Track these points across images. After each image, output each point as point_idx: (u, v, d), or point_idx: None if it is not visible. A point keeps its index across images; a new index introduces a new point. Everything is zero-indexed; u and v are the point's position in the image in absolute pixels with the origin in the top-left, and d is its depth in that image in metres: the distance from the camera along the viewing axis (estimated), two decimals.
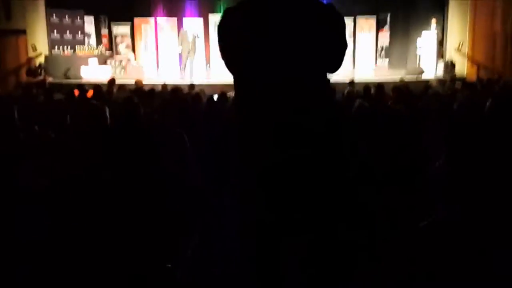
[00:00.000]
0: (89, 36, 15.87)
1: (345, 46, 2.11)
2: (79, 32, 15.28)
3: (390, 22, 15.68)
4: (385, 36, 15.90)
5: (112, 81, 9.99)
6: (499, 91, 7.35)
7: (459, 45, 13.70)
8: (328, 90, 2.17)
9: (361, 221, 2.27)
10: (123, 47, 16.63)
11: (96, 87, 8.31)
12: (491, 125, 3.14)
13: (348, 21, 16.23)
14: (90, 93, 8.28)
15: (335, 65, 2.10)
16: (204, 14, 16.28)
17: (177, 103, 4.83)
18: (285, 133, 1.99)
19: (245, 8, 2.00)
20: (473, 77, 12.37)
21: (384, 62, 15.88)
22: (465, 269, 3.19)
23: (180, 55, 15.34)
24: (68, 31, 14.71)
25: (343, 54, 2.11)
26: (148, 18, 16.40)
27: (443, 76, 12.62)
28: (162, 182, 3.05)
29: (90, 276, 2.66)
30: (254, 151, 2.08)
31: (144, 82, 10.09)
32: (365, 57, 15.99)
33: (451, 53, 13.90)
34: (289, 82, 1.98)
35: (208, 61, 16.36)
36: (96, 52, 15.43)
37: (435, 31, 13.39)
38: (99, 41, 16.29)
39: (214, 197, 3.66)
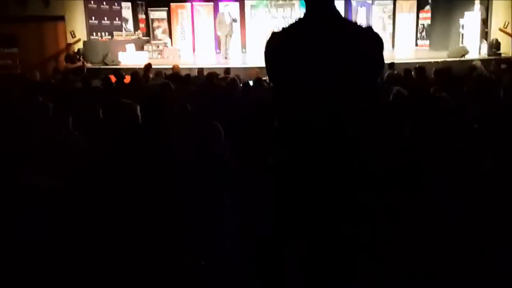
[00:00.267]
0: (126, 21, 15.96)
1: (381, 65, 2.28)
2: (117, 17, 15.38)
3: (431, 2, 15.27)
4: (426, 17, 15.59)
5: (148, 66, 10.01)
6: None
7: (504, 25, 13.21)
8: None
9: (361, 220, 2.23)
10: (159, 32, 16.71)
11: (133, 73, 8.32)
12: None
13: (388, 2, 15.93)
14: (127, 79, 8.32)
15: (370, 82, 2.25)
16: None
17: (211, 91, 4.77)
18: (317, 136, 2.16)
19: (289, 31, 2.25)
20: None
21: (425, 42, 15.60)
22: (465, 269, 3.10)
23: (217, 39, 15.29)
24: (105, 17, 14.79)
25: (379, 73, 2.35)
26: (184, 3, 16.40)
27: (487, 56, 12.19)
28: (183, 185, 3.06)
29: (91, 276, 2.66)
30: (288, 150, 2.23)
31: (180, 67, 10.08)
32: (405, 38, 15.88)
33: (495, 33, 13.39)
34: (325, 93, 2.15)
35: (244, 45, 16.28)
36: (133, 37, 15.55)
37: (479, 12, 12.93)
38: (136, 27, 16.38)
39: (214, 197, 3.62)
